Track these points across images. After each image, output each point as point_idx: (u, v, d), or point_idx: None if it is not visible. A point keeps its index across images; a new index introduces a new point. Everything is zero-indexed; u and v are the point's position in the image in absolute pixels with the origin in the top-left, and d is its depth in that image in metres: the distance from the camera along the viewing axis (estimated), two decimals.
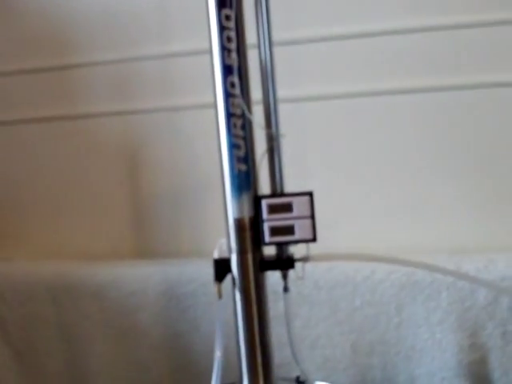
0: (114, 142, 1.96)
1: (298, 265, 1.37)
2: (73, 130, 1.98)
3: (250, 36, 1.32)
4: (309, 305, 1.71)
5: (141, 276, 1.83)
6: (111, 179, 1.97)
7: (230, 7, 1.28)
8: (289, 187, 1.37)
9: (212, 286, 1.36)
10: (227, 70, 1.31)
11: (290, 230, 1.32)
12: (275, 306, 1.52)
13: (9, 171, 2.06)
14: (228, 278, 1.37)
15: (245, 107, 1.30)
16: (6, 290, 1.93)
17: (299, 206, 1.32)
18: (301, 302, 1.70)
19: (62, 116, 1.98)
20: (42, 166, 2.02)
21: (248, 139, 1.32)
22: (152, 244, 1.95)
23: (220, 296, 1.34)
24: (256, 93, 1.34)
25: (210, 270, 1.38)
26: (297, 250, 1.38)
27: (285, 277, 1.39)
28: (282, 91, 1.37)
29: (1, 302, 1.93)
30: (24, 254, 2.05)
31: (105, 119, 1.95)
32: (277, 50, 1.36)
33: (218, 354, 1.32)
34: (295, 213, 1.32)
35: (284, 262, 1.36)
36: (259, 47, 1.34)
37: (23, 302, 1.92)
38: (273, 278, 1.47)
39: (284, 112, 1.38)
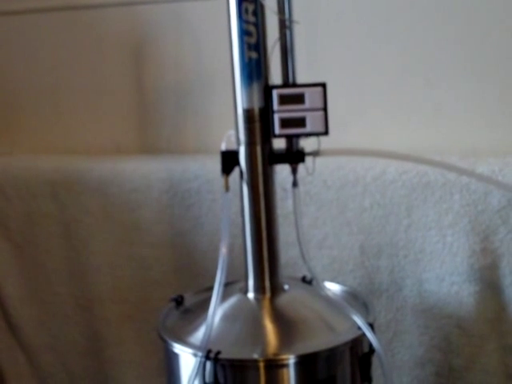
0: (118, 34, 1.89)
1: (307, 160, 1.33)
2: (75, 22, 1.91)
3: None
4: (316, 204, 1.66)
5: (144, 172, 1.79)
6: (114, 73, 1.91)
7: None
8: (300, 81, 1.32)
9: (217, 183, 1.33)
10: None
11: (301, 122, 1.27)
12: (283, 204, 1.50)
13: (8, 64, 1.99)
14: (234, 174, 1.33)
15: None
16: (7, 185, 1.90)
17: (311, 97, 1.27)
18: (308, 201, 1.66)
19: (64, 6, 1.91)
20: (42, 58, 1.96)
21: (260, 26, 1.27)
22: (156, 140, 1.90)
23: (227, 189, 1.30)
24: None
25: (215, 167, 1.35)
26: (307, 145, 1.34)
27: (294, 171, 1.34)
28: None
29: (2, 198, 1.90)
30: (24, 148, 2.00)
31: (107, 10, 1.88)
32: None
33: (223, 251, 1.29)
34: (307, 104, 1.27)
35: (294, 156, 1.32)
36: None
37: (24, 198, 1.89)
38: (281, 175, 1.43)
39: (297, 4, 1.31)
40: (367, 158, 1.61)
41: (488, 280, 1.59)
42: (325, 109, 1.27)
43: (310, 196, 1.66)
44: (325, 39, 1.72)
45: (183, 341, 1.28)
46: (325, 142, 1.32)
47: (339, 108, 1.40)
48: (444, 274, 1.61)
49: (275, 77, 1.31)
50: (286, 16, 1.28)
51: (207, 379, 1.22)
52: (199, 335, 1.27)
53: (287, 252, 1.53)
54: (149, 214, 1.79)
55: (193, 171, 1.75)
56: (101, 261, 1.84)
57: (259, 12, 1.26)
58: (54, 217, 1.86)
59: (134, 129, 1.92)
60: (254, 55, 1.26)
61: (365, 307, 1.37)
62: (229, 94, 1.31)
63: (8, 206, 1.90)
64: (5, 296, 1.93)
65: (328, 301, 1.36)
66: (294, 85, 1.30)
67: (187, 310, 1.42)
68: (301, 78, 1.32)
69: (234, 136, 1.31)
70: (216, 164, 1.34)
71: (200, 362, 1.22)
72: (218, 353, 1.21)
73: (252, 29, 1.26)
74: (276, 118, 1.27)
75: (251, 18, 1.25)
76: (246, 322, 1.31)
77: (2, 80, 2.00)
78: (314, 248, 1.67)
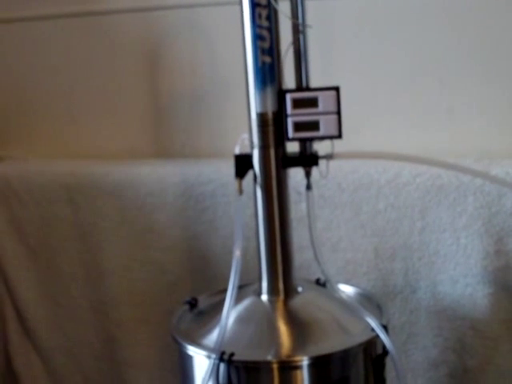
0: (132, 39, 1.90)
1: (321, 163, 1.34)
2: (91, 28, 1.92)
3: None
4: (331, 207, 1.67)
5: (159, 176, 1.80)
6: (130, 78, 1.92)
7: None
8: (314, 85, 1.32)
9: (232, 187, 1.33)
10: None
11: (314, 125, 1.28)
12: (296, 208, 1.49)
13: (24, 70, 2.00)
14: (248, 177, 1.33)
15: None
16: (22, 190, 1.90)
17: (325, 101, 1.27)
18: (323, 203, 1.66)
19: (80, 12, 1.92)
20: (57, 64, 1.97)
21: (273, 30, 1.28)
22: (171, 145, 1.91)
23: (240, 192, 1.30)
24: None
25: (229, 171, 1.35)
26: (321, 149, 1.34)
27: (308, 174, 1.35)
28: None
29: (17, 202, 1.91)
30: (39, 153, 2.01)
31: (124, 16, 1.89)
32: None
33: (236, 253, 1.29)
34: (320, 108, 1.27)
35: (307, 159, 1.33)
36: None
37: (39, 202, 1.89)
38: (295, 178, 1.44)
39: (311, 8, 1.32)
40: (381, 161, 1.62)
41: (502, 282, 1.59)
42: (338, 112, 1.27)
43: (324, 199, 1.67)
44: (338, 43, 1.72)
45: (197, 343, 1.29)
46: (339, 146, 1.32)
47: (353, 111, 1.40)
48: (458, 276, 1.61)
49: (289, 81, 1.31)
50: (300, 20, 1.29)
51: (221, 381, 1.23)
52: (213, 337, 1.27)
53: (302, 255, 1.54)
54: (163, 217, 1.80)
55: (207, 175, 1.76)
56: (116, 264, 1.85)
57: (272, 17, 1.27)
58: (70, 221, 1.87)
59: (148, 133, 1.93)
60: (267, 59, 1.27)
61: (378, 309, 1.37)
62: (243, 99, 1.32)
63: (23, 211, 1.91)
64: (20, 299, 1.94)
65: (342, 303, 1.36)
66: (308, 89, 1.31)
67: (201, 312, 1.43)
68: (314, 82, 1.32)
69: (247, 140, 1.32)
70: (230, 168, 1.34)
71: (214, 364, 1.23)
72: (232, 354, 1.21)
73: (265, 33, 1.26)
74: (289, 121, 1.27)
75: (265, 23, 1.26)
76: (259, 324, 1.31)
77: (17, 85, 2.01)
78: (328, 251, 1.67)
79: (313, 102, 1.27)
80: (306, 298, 1.37)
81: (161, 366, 1.86)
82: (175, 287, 1.81)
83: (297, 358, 1.23)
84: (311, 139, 1.31)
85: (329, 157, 1.33)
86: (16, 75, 2.01)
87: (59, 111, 1.99)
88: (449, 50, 1.67)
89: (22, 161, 1.99)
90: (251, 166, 1.32)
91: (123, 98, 1.93)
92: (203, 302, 1.45)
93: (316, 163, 1.33)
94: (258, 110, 1.29)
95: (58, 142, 2.01)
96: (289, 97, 1.27)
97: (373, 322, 1.28)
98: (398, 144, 1.67)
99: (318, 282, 1.47)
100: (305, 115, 1.28)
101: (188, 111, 1.86)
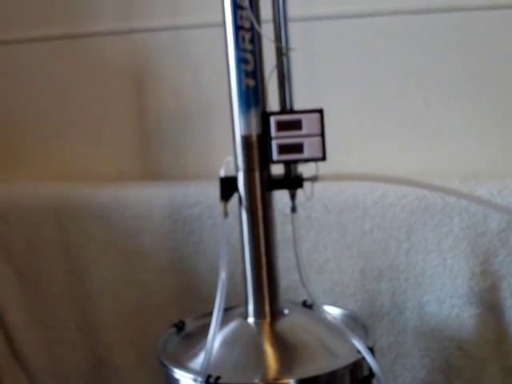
0: (119, 62, 1.90)
1: (306, 185, 1.34)
2: (76, 50, 1.93)
3: None
4: (317, 228, 1.67)
5: (146, 198, 1.80)
6: (116, 100, 1.93)
7: None
8: (298, 107, 1.32)
9: (218, 209, 1.33)
10: None
11: (298, 148, 1.28)
12: (283, 229, 1.49)
13: (11, 92, 2.01)
14: (235, 200, 1.33)
15: (254, 19, 1.25)
16: (9, 211, 1.90)
17: (309, 123, 1.27)
18: (309, 225, 1.67)
19: (64, 35, 1.92)
20: (44, 86, 1.97)
21: (257, 53, 1.28)
22: (157, 167, 1.91)
23: (226, 215, 1.30)
24: (266, 10, 1.29)
25: (216, 193, 1.35)
26: (306, 171, 1.34)
27: (293, 197, 1.35)
28: (292, 10, 1.32)
29: (4, 224, 1.91)
30: (26, 175, 2.01)
31: (109, 38, 1.90)
32: None
33: (222, 276, 1.29)
34: (304, 130, 1.27)
35: (292, 181, 1.33)
36: None
37: (26, 224, 1.89)
38: (281, 201, 1.43)
39: (295, 31, 1.33)
40: (367, 182, 1.62)
41: (488, 302, 1.59)
42: (322, 134, 1.27)
43: (310, 220, 1.67)
44: (322, 65, 1.73)
45: (183, 366, 1.28)
46: (326, 167, 1.32)
47: (338, 133, 1.41)
48: (445, 297, 1.62)
49: (273, 103, 1.32)
50: (283, 44, 1.29)
51: None
52: (199, 360, 1.26)
53: (289, 276, 1.53)
54: (150, 239, 1.80)
55: (194, 197, 1.76)
56: (103, 286, 1.85)
57: (256, 40, 1.27)
58: (57, 243, 1.87)
59: (135, 155, 1.93)
60: (251, 83, 1.27)
61: (364, 330, 1.37)
62: (228, 121, 1.32)
63: (10, 233, 1.90)
64: (8, 322, 1.94)
65: (328, 325, 1.36)
66: (292, 111, 1.31)
67: (188, 335, 1.42)
68: (299, 105, 1.33)
69: (232, 162, 1.32)
70: (217, 190, 1.34)
71: None
72: (218, 378, 1.21)
73: (249, 57, 1.27)
74: (274, 144, 1.27)
75: (248, 46, 1.26)
76: (245, 347, 1.31)
77: (4, 108, 2.01)
78: (315, 272, 1.67)
79: (297, 125, 1.27)
80: (292, 321, 1.36)
81: None
82: (162, 309, 1.81)
83: (283, 381, 1.22)
84: (295, 161, 1.31)
85: (313, 179, 1.32)
86: (2, 98, 2.01)
87: (46, 133, 2.00)
88: (434, 71, 1.68)
89: (9, 183, 1.99)
90: (236, 189, 1.31)
91: (109, 120, 1.93)
92: (190, 325, 1.45)
93: (301, 185, 1.33)
94: (243, 133, 1.29)
95: (45, 164, 2.01)
96: (273, 119, 1.27)
97: (358, 344, 1.28)
98: (383, 165, 1.68)
99: (304, 303, 1.47)
100: (289, 138, 1.28)
101: (174, 133, 1.87)
